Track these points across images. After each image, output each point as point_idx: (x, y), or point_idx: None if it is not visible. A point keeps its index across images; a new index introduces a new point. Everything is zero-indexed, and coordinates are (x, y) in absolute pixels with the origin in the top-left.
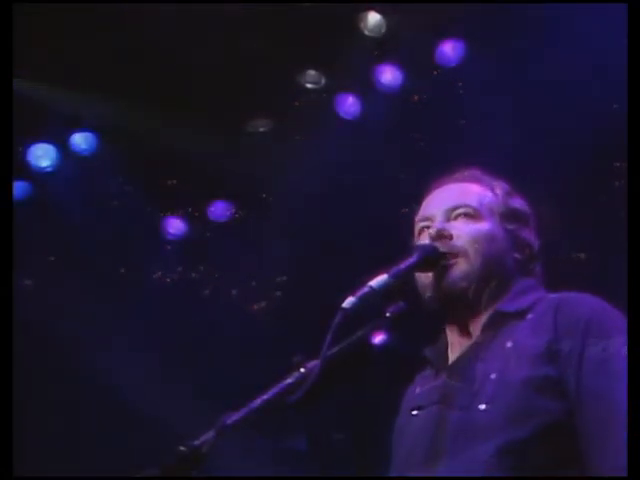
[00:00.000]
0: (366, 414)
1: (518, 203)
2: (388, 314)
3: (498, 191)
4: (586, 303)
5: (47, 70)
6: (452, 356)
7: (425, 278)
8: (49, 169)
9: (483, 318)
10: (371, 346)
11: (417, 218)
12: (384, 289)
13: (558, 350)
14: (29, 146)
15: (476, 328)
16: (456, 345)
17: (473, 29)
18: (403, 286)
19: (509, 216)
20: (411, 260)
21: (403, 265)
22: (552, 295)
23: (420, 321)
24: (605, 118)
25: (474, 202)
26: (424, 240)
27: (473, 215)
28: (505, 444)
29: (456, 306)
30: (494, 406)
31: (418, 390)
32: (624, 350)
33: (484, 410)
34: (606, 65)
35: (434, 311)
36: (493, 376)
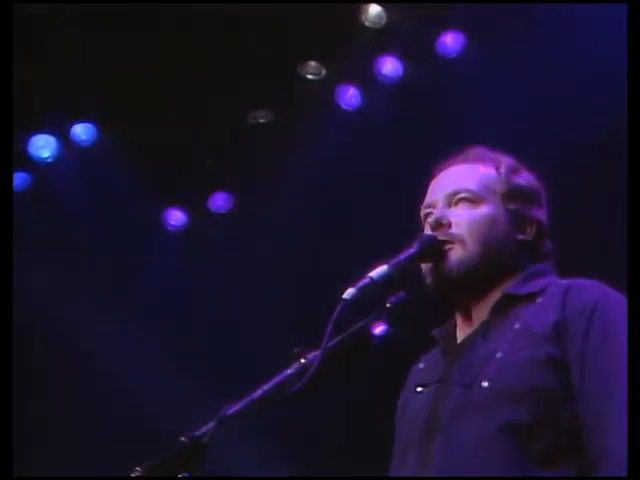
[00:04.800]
0: (366, 405)
1: (524, 179)
2: (389, 305)
3: (502, 169)
4: (595, 288)
5: (48, 61)
6: (459, 337)
7: (426, 265)
8: (49, 160)
9: (490, 301)
10: (372, 337)
11: (422, 205)
12: (384, 280)
13: (565, 332)
14: (29, 137)
15: (483, 311)
16: (463, 327)
17: (473, 20)
18: (403, 277)
19: (512, 195)
20: (411, 251)
21: (403, 256)
22: (563, 280)
23: (421, 311)
24: (605, 110)
25: (474, 185)
26: (427, 229)
27: (473, 199)
28: (508, 423)
29: (458, 292)
30: (497, 383)
31: (422, 366)
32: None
33: (487, 387)
34: (607, 58)
35: (438, 297)
36: (499, 355)
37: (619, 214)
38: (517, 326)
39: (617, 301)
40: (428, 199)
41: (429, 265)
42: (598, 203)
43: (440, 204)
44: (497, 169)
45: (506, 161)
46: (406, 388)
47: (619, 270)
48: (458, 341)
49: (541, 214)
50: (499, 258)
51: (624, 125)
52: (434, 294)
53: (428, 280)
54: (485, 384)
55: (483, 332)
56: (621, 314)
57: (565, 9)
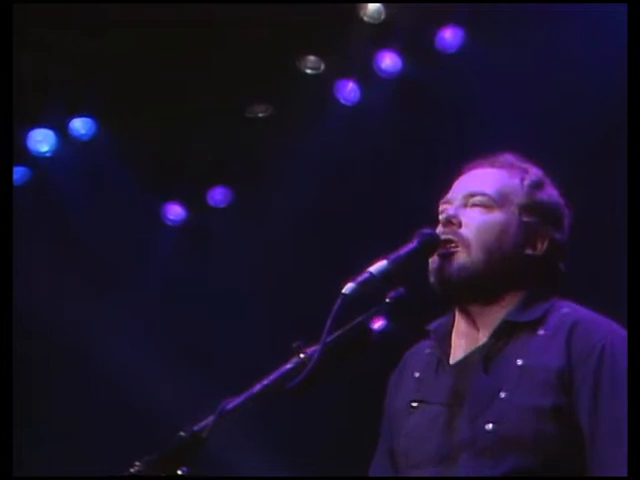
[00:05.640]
0: (365, 399)
1: (546, 195)
2: (388, 300)
3: (527, 181)
4: (600, 329)
5: (46, 55)
6: (456, 344)
7: (431, 263)
8: (48, 154)
9: (490, 318)
10: (371, 332)
11: (441, 201)
12: (383, 275)
13: (571, 381)
14: (28, 131)
15: (483, 329)
16: (461, 335)
17: (473, 15)
18: (403, 272)
19: (529, 208)
20: (410, 246)
21: (402, 251)
22: (563, 308)
23: (420, 306)
24: (606, 105)
25: (492, 191)
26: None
27: (488, 205)
28: (515, 469)
29: (458, 295)
30: (501, 427)
31: (417, 375)
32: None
33: (491, 430)
34: (608, 53)
35: (440, 296)
36: (502, 395)
37: (619, 211)
38: (520, 363)
39: (622, 338)
40: (448, 195)
41: (434, 265)
42: (598, 198)
43: (457, 202)
44: (522, 180)
45: (533, 173)
46: (400, 390)
47: (619, 266)
48: (454, 351)
49: (558, 233)
50: (502, 269)
51: (625, 119)
52: (436, 293)
53: (432, 279)
54: (489, 427)
55: (484, 362)
56: (624, 357)
57: (564, 4)
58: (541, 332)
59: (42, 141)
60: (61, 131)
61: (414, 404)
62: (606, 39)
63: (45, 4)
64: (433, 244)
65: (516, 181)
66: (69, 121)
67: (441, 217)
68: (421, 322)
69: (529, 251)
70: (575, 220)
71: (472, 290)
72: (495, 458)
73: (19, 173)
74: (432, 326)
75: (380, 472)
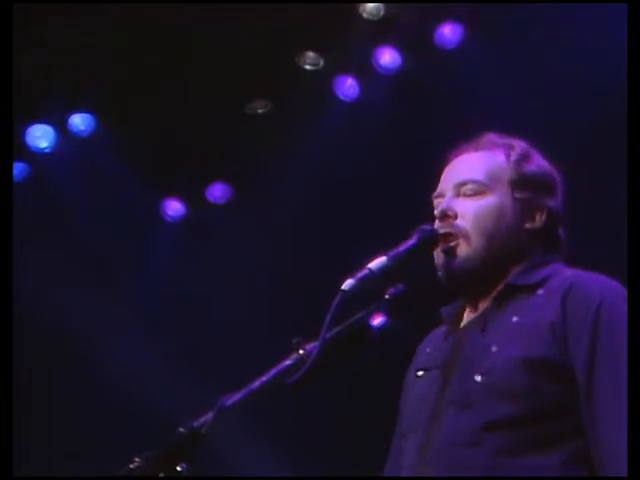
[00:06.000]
0: (364, 395)
1: (535, 166)
2: (387, 296)
3: (513, 156)
4: (597, 287)
5: (46, 50)
6: (465, 318)
7: (437, 258)
8: (47, 150)
9: (495, 291)
10: (370, 328)
11: (434, 195)
12: (383, 271)
13: (565, 334)
14: (27, 127)
15: (489, 296)
16: (469, 314)
17: (472, 11)
18: (402, 268)
19: (521, 183)
20: (410, 243)
21: (402, 248)
22: (567, 271)
23: (419, 302)
24: (605, 99)
25: (482, 175)
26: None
27: (479, 191)
28: (494, 420)
29: (467, 286)
30: (489, 378)
31: (428, 350)
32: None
33: (479, 382)
34: (607, 48)
35: (449, 289)
36: (494, 349)
37: (619, 203)
38: (515, 319)
39: (621, 298)
40: (438, 189)
41: (439, 259)
42: (598, 193)
43: (449, 194)
44: (508, 156)
45: (518, 147)
46: (412, 366)
47: (619, 254)
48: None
49: (553, 201)
50: (505, 249)
51: (624, 113)
52: (444, 286)
53: (439, 273)
54: (478, 378)
55: (483, 323)
56: (625, 311)
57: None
58: (540, 292)
59: (41, 137)
60: (60, 127)
61: (419, 373)
62: (606, 34)
63: (45, 4)
64: (432, 240)
65: (502, 159)
66: (68, 117)
67: (436, 212)
68: (420, 318)
69: (528, 225)
70: (575, 220)
71: (478, 277)
72: (483, 408)
73: (18, 169)
74: (445, 309)
75: (394, 472)
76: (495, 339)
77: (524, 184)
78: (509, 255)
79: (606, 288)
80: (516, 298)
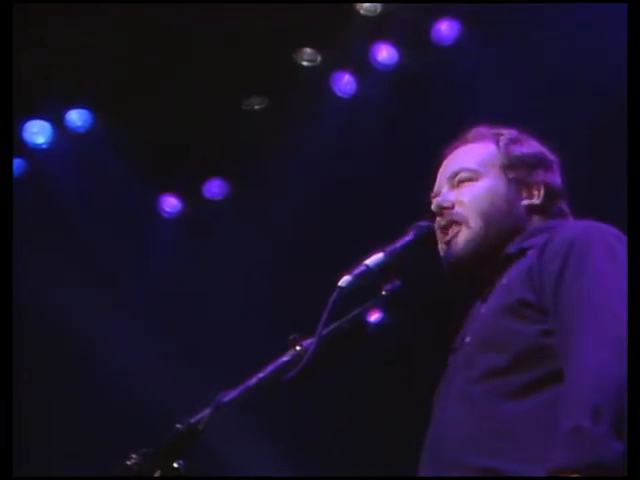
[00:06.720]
0: (363, 392)
1: (526, 147)
2: (384, 292)
3: (502, 142)
4: (579, 226)
5: (43, 46)
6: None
7: (441, 251)
8: (44, 146)
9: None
10: (367, 324)
11: (432, 195)
12: (380, 267)
13: (540, 273)
14: (24, 123)
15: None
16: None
17: (469, 8)
18: (399, 264)
19: (513, 165)
20: (406, 239)
21: (398, 244)
22: (561, 225)
23: (416, 299)
24: (605, 101)
25: (472, 163)
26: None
27: (472, 177)
28: (487, 369)
29: (473, 267)
30: (477, 336)
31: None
32: (601, 266)
33: (468, 342)
34: (606, 47)
35: (455, 277)
36: (483, 310)
37: (619, 203)
38: (504, 281)
39: (596, 232)
40: (435, 187)
41: (443, 252)
42: (598, 193)
43: (444, 189)
44: (497, 142)
45: (507, 134)
46: None
47: None
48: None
49: (550, 176)
50: (504, 227)
51: (624, 113)
52: (454, 277)
53: (444, 266)
54: (467, 339)
55: (485, 295)
56: (600, 243)
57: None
58: (530, 252)
59: (38, 133)
60: (57, 123)
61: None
62: (604, 32)
63: (45, 4)
64: (429, 236)
65: (492, 147)
66: (65, 113)
67: (432, 208)
68: (417, 315)
69: (526, 202)
70: (574, 218)
71: (483, 257)
72: (471, 363)
73: (15, 165)
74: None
75: None
76: (489, 304)
77: (516, 165)
78: (509, 231)
79: (587, 226)
80: (512, 264)
